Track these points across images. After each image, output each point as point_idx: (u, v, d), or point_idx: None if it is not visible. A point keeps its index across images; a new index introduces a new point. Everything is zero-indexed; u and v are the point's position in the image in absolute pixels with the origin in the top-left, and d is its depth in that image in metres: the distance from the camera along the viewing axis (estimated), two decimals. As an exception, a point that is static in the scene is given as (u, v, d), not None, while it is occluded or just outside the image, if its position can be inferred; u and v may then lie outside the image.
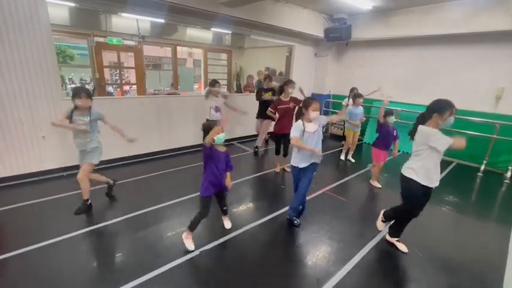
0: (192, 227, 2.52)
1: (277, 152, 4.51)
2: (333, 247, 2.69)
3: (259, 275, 2.28)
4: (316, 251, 2.63)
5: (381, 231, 2.94)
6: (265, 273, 2.31)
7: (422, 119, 2.44)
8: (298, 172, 2.89)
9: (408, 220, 2.65)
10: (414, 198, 2.47)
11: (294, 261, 2.49)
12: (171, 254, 2.46)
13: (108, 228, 2.83)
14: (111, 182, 3.41)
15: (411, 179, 2.40)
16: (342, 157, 5.38)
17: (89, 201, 3.10)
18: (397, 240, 2.75)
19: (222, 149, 2.51)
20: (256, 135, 6.02)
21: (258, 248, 2.64)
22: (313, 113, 2.73)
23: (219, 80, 4.74)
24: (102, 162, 3.45)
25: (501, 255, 2.68)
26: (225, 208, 2.85)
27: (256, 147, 5.68)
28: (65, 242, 2.57)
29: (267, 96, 5.33)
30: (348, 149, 5.33)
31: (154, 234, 2.75)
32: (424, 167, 2.36)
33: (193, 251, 2.48)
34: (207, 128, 2.37)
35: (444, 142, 2.22)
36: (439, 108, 2.28)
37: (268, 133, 5.73)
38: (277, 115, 4.29)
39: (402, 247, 2.70)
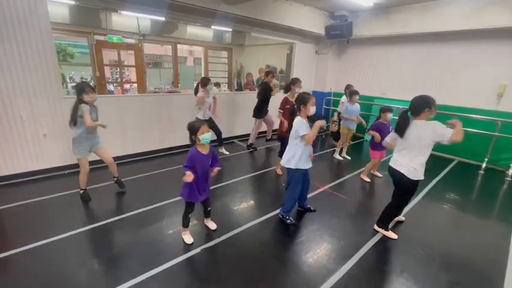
0: (184, 224, 2.60)
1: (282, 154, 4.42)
2: (334, 244, 2.69)
3: (259, 273, 2.28)
4: (317, 248, 2.63)
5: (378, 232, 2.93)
6: (266, 271, 2.31)
7: (406, 117, 2.51)
8: (304, 173, 2.92)
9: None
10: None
11: (295, 259, 2.49)
12: (173, 251, 2.47)
13: (110, 226, 2.84)
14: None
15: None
16: (337, 155, 5.24)
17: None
18: (385, 230, 2.87)
19: (206, 150, 2.41)
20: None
21: (259, 246, 2.65)
22: (312, 108, 2.77)
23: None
24: (102, 161, 3.46)
25: (502, 252, 2.68)
26: (209, 209, 2.77)
27: (251, 144, 5.65)
28: (67, 240, 2.58)
29: (274, 93, 5.20)
30: (342, 146, 5.28)
31: (156, 231, 2.76)
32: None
33: (192, 244, 2.55)
34: (193, 127, 2.29)
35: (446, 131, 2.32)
36: (428, 103, 2.43)
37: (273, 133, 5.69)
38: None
39: (393, 235, 2.84)
